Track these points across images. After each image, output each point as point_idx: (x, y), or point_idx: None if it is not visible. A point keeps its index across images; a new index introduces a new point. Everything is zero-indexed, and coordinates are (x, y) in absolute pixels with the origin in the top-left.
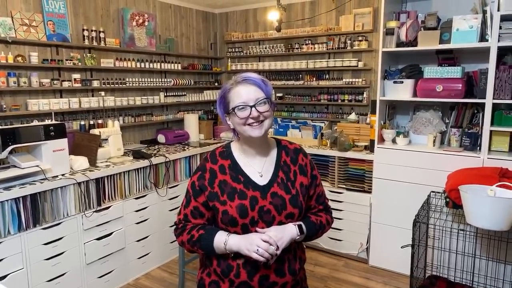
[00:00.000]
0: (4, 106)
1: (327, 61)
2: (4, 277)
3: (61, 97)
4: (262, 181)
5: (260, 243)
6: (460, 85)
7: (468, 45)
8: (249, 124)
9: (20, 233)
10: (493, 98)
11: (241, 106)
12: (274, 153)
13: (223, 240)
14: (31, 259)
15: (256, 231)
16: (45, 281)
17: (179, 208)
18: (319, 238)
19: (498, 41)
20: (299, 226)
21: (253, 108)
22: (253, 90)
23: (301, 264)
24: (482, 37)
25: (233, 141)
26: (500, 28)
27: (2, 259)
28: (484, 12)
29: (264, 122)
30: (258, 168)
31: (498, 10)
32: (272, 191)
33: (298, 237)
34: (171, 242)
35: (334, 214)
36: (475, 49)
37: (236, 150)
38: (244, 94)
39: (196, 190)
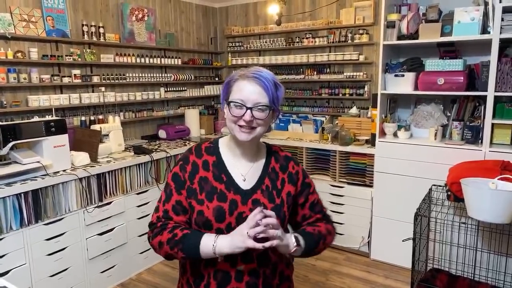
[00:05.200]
0: (5, 102)
1: (328, 55)
2: (7, 272)
3: (61, 93)
4: (245, 185)
5: (252, 230)
6: (462, 78)
7: (470, 38)
8: (239, 125)
9: (22, 229)
10: (495, 91)
11: (237, 104)
12: (262, 158)
13: (212, 241)
14: (34, 254)
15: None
16: (47, 276)
17: (155, 206)
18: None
19: (500, 33)
20: (295, 238)
21: (248, 111)
22: (257, 91)
23: (281, 279)
24: (484, 29)
25: (222, 137)
26: (502, 20)
27: (4, 255)
28: (486, 4)
29: (255, 129)
30: (243, 171)
31: (500, 2)
32: (254, 197)
33: (295, 248)
34: None
35: (335, 208)
36: (476, 42)
37: (224, 147)
38: (246, 92)
39: (180, 181)
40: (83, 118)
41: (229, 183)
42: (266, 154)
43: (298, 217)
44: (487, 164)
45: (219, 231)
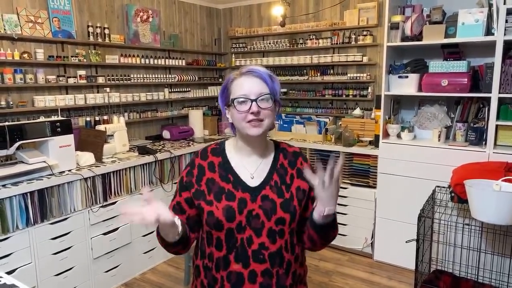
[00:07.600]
0: (11, 103)
1: (332, 56)
2: (13, 271)
3: (67, 93)
4: (253, 183)
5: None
6: (466, 80)
7: (474, 39)
8: (248, 122)
9: (28, 228)
10: (499, 92)
11: (241, 99)
12: (271, 155)
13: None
14: (39, 253)
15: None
16: (53, 275)
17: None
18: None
19: (504, 34)
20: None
21: (254, 103)
22: (257, 83)
23: (294, 279)
24: (488, 31)
25: (228, 139)
26: (506, 21)
27: (10, 254)
28: (490, 5)
29: (263, 121)
30: (251, 169)
31: (504, 4)
32: (263, 193)
33: (329, 209)
34: None
35: (339, 209)
36: (481, 43)
37: (231, 147)
38: (247, 86)
39: (182, 185)
40: (88, 119)
41: (236, 182)
42: (275, 150)
43: (307, 212)
44: (491, 165)
45: (229, 231)
